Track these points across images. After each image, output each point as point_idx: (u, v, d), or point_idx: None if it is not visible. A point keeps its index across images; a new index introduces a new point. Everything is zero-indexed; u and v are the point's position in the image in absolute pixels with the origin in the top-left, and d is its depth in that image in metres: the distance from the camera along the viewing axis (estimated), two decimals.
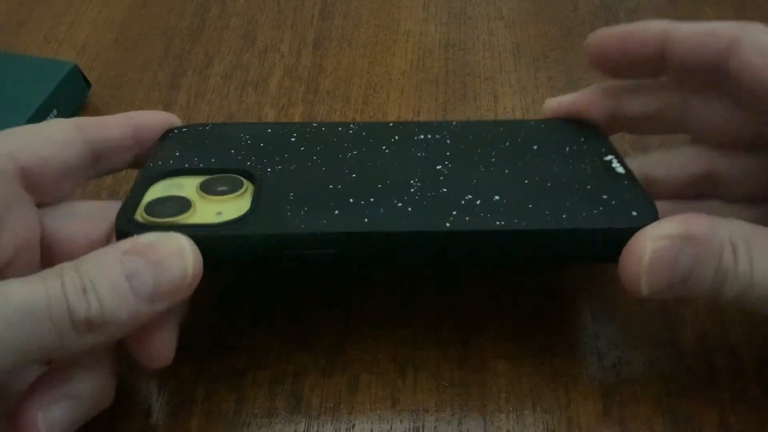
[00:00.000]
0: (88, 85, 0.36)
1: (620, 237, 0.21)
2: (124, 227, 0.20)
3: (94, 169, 0.24)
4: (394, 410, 0.24)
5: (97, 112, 0.36)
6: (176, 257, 0.19)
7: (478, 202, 0.22)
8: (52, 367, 0.20)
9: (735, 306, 0.21)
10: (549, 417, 0.23)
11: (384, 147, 0.25)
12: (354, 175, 0.23)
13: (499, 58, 0.39)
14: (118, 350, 0.22)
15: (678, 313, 0.26)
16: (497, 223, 0.21)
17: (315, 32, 0.41)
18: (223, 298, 0.27)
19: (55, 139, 0.22)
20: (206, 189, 0.22)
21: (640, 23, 0.24)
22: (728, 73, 0.23)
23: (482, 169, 0.24)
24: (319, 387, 0.24)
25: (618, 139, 0.28)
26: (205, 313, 0.26)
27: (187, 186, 0.22)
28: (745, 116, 0.24)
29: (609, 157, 0.24)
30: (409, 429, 0.23)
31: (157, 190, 0.22)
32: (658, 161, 0.26)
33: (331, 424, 0.23)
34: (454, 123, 0.27)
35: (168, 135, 0.25)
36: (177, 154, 0.24)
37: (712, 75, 0.23)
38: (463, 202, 0.22)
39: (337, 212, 0.21)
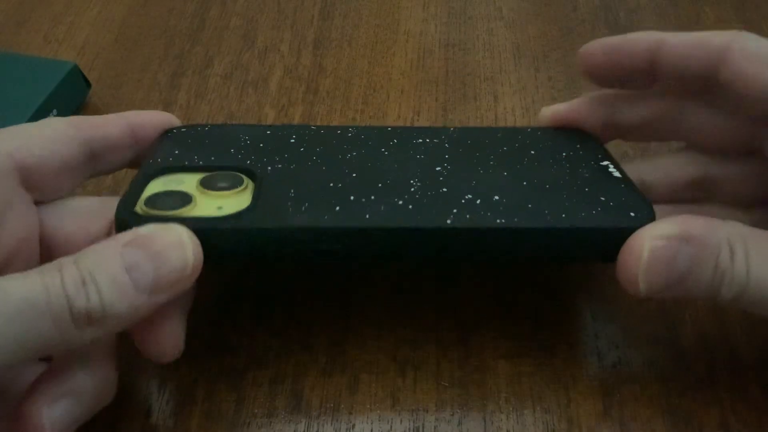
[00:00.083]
0: (88, 85, 0.36)
1: (619, 237, 0.21)
2: (124, 218, 0.20)
3: (92, 168, 0.24)
4: (394, 410, 0.24)
5: (97, 112, 0.36)
6: (176, 248, 0.19)
7: (478, 201, 0.22)
8: (54, 364, 0.20)
9: (733, 307, 0.21)
10: (549, 417, 0.23)
11: (383, 149, 0.25)
12: (354, 175, 0.23)
13: (499, 58, 0.39)
14: (119, 348, 0.22)
15: (678, 313, 0.26)
16: (498, 220, 0.21)
17: (315, 32, 0.41)
18: (223, 298, 0.27)
19: (52, 137, 0.22)
20: (206, 185, 0.22)
21: (630, 34, 0.25)
22: (719, 81, 0.23)
23: (481, 171, 0.24)
24: (319, 387, 0.24)
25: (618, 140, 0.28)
26: (205, 312, 0.26)
27: (187, 182, 0.22)
28: (737, 123, 0.24)
29: (605, 163, 0.25)
30: (409, 429, 0.23)
31: (156, 185, 0.22)
32: (652, 166, 0.26)
33: (331, 424, 0.23)
34: (451, 128, 0.27)
35: (167, 134, 0.25)
36: (176, 152, 0.24)
37: (703, 84, 0.24)
38: (463, 200, 0.22)
39: (338, 208, 0.21)
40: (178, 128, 0.26)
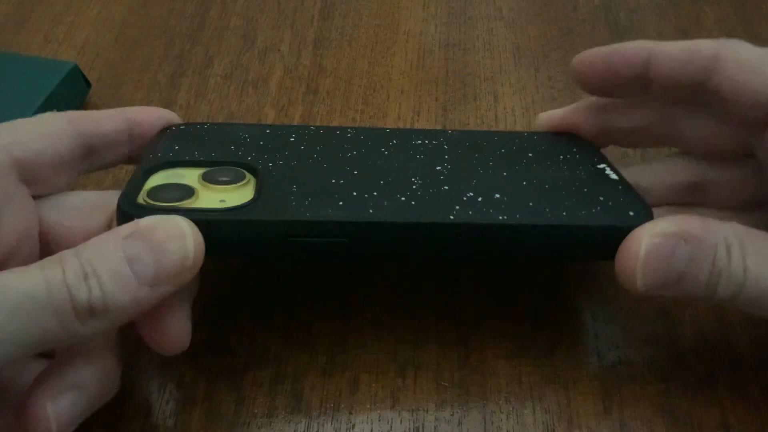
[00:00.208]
0: (88, 85, 0.36)
1: (618, 235, 0.21)
2: (127, 209, 0.20)
3: (88, 163, 0.24)
4: (394, 410, 0.24)
5: None
6: (177, 240, 0.19)
7: (479, 199, 0.22)
8: (56, 359, 0.20)
9: (730, 306, 0.21)
10: (549, 417, 0.23)
11: (383, 149, 0.25)
12: (355, 173, 0.23)
13: (499, 58, 0.39)
14: (120, 346, 0.22)
15: (678, 313, 0.26)
16: (500, 217, 0.22)
17: (315, 32, 0.41)
18: (223, 298, 0.27)
19: (48, 132, 0.22)
20: (208, 178, 0.22)
21: (622, 44, 0.25)
22: (711, 88, 0.23)
23: (481, 171, 0.24)
24: (319, 387, 0.24)
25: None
26: (205, 312, 0.26)
27: (188, 176, 0.22)
28: (730, 128, 0.24)
29: (602, 165, 0.25)
30: (409, 429, 0.23)
31: (157, 179, 0.22)
32: (647, 171, 0.27)
33: (331, 424, 0.23)
34: (449, 131, 0.27)
35: (166, 131, 0.25)
36: (176, 147, 0.24)
37: (696, 91, 0.24)
38: (464, 198, 0.22)
39: (341, 203, 0.21)
40: (178, 125, 0.26)
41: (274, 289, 0.27)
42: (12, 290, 0.17)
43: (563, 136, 0.27)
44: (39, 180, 0.22)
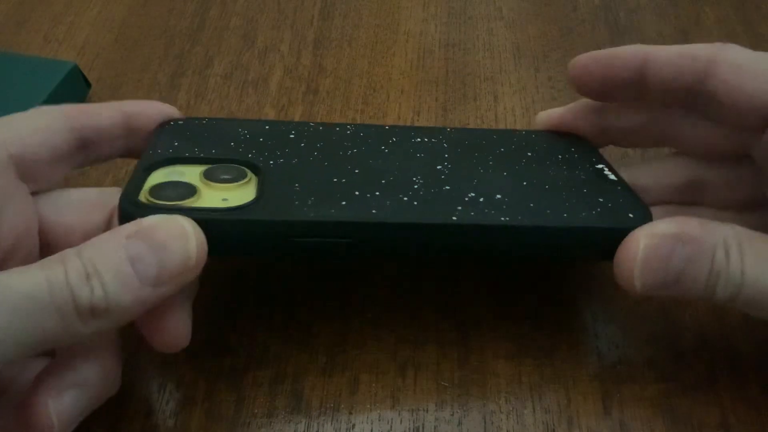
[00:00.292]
0: (88, 85, 0.36)
1: (619, 237, 0.21)
2: (129, 208, 0.20)
3: (84, 157, 0.24)
4: (394, 410, 0.24)
5: None
6: (179, 240, 0.19)
7: (481, 199, 0.22)
8: (58, 357, 0.20)
9: (728, 306, 0.21)
10: (549, 417, 0.23)
11: (383, 147, 0.25)
12: (357, 171, 0.23)
13: (499, 58, 0.39)
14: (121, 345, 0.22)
15: (678, 313, 0.26)
16: (502, 218, 0.22)
17: (315, 32, 0.41)
18: (223, 298, 0.27)
19: (43, 126, 0.22)
20: (210, 176, 0.22)
21: (619, 48, 0.25)
22: (707, 92, 0.23)
23: (481, 171, 0.24)
24: (319, 387, 0.24)
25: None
26: (205, 313, 0.26)
27: (189, 174, 0.22)
28: (726, 130, 0.24)
29: (600, 166, 0.25)
30: (409, 429, 0.23)
31: (158, 177, 0.22)
32: (645, 170, 0.27)
33: (331, 424, 0.23)
34: (448, 129, 0.27)
35: (164, 126, 0.25)
36: (175, 144, 0.24)
37: (692, 94, 0.24)
38: (466, 198, 0.22)
39: (344, 203, 0.21)
40: (175, 120, 0.25)
41: (274, 289, 0.27)
42: (13, 291, 0.17)
43: (562, 136, 0.28)
44: (36, 175, 0.22)
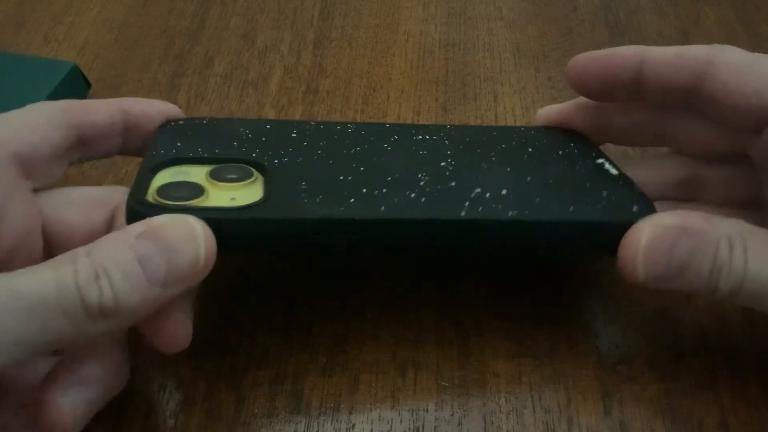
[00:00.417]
0: (88, 85, 0.36)
1: (624, 230, 0.22)
2: (137, 208, 0.20)
3: (80, 153, 0.24)
4: (394, 410, 0.24)
5: None
6: (189, 241, 0.19)
7: (487, 195, 0.23)
8: (67, 354, 0.20)
9: (730, 302, 0.21)
10: (549, 417, 0.23)
11: (385, 145, 0.25)
12: (362, 169, 0.23)
13: (499, 58, 0.39)
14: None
15: (678, 313, 0.26)
16: (509, 213, 0.22)
17: (315, 32, 0.41)
18: (223, 298, 0.27)
19: (42, 123, 0.22)
20: (216, 176, 0.22)
21: (616, 48, 0.25)
22: (704, 93, 0.23)
23: (485, 167, 0.24)
24: (319, 387, 0.24)
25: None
26: (205, 313, 0.26)
27: (194, 174, 0.22)
28: (723, 130, 0.25)
29: (600, 161, 0.26)
30: (409, 429, 0.23)
31: (164, 177, 0.22)
32: (643, 167, 0.27)
33: (331, 424, 0.23)
34: (449, 126, 0.27)
35: (166, 127, 0.25)
36: (179, 144, 0.24)
37: (689, 95, 0.24)
38: (473, 194, 0.23)
39: (352, 200, 0.22)
40: (176, 121, 0.25)
41: (274, 289, 0.27)
42: (22, 292, 0.17)
43: (562, 132, 0.28)
44: (37, 172, 0.22)
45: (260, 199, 0.21)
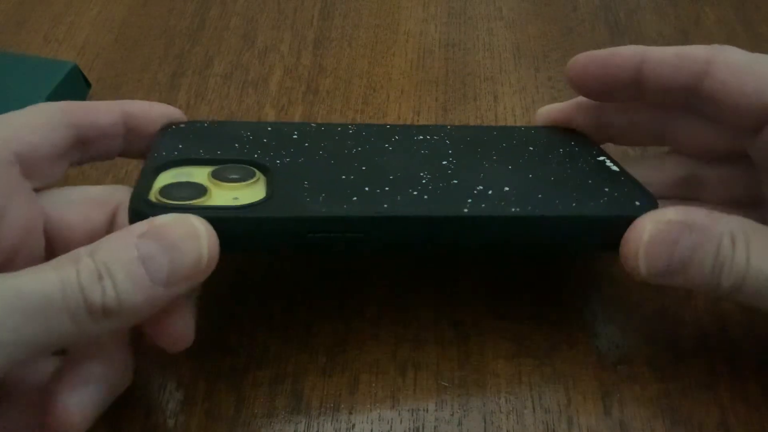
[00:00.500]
0: (88, 85, 0.36)
1: (626, 225, 0.22)
2: (140, 207, 0.20)
3: (82, 154, 0.24)
4: (394, 410, 0.24)
5: None
6: (192, 240, 0.19)
7: (490, 192, 0.23)
8: (73, 353, 0.20)
9: (732, 299, 0.21)
10: (549, 417, 0.23)
11: (387, 145, 0.25)
12: (364, 168, 0.23)
13: (499, 58, 0.39)
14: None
15: (678, 313, 0.26)
16: (512, 209, 0.22)
17: (315, 32, 0.41)
18: (223, 298, 0.27)
19: (43, 124, 0.22)
20: (218, 176, 0.22)
21: (616, 48, 0.25)
22: (704, 93, 0.23)
23: (486, 165, 0.25)
24: (319, 387, 0.24)
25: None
26: (205, 313, 0.26)
27: (197, 175, 0.22)
28: (722, 130, 0.25)
29: (602, 158, 0.26)
30: (409, 429, 0.23)
31: (166, 178, 0.22)
32: (642, 166, 0.27)
33: (331, 424, 0.23)
34: (449, 126, 0.27)
35: (168, 129, 0.25)
36: (180, 146, 0.24)
37: (689, 95, 0.24)
38: (475, 191, 0.23)
39: (355, 198, 0.22)
40: (177, 124, 0.25)
41: (274, 289, 0.27)
42: (27, 292, 0.17)
43: (562, 131, 0.28)
44: (37, 172, 0.22)
45: (263, 198, 0.21)
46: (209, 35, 0.40)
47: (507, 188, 0.23)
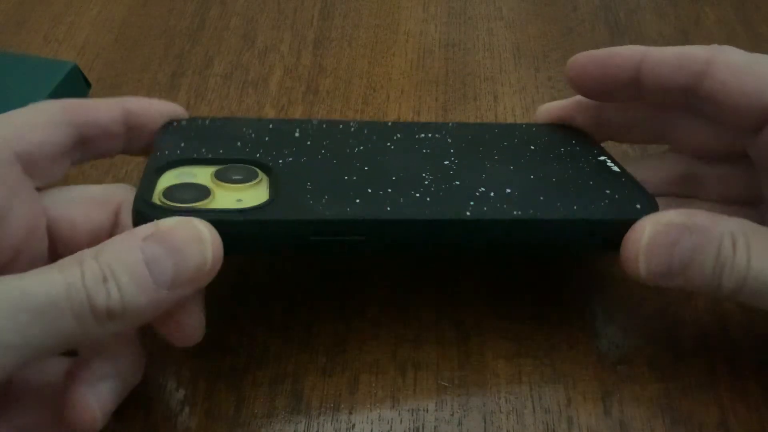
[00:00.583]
0: (88, 85, 0.36)
1: (627, 228, 0.22)
2: (144, 210, 0.20)
3: (83, 152, 0.24)
4: (394, 410, 0.24)
5: None
6: (196, 244, 0.19)
7: (492, 194, 0.23)
8: (86, 351, 0.21)
9: (733, 299, 0.21)
10: (549, 417, 0.23)
11: (389, 144, 0.25)
12: (366, 168, 0.23)
13: (499, 58, 0.39)
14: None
15: (678, 313, 0.26)
16: (514, 212, 0.22)
17: (315, 32, 0.41)
18: (223, 298, 0.27)
19: (44, 122, 0.22)
20: (221, 177, 0.22)
21: (616, 48, 0.25)
22: (703, 93, 0.23)
23: (488, 165, 0.25)
24: (319, 387, 0.24)
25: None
26: (205, 312, 0.26)
27: (200, 175, 0.22)
28: (721, 129, 0.25)
29: (602, 158, 0.26)
30: (409, 429, 0.23)
31: (169, 178, 0.22)
32: (641, 164, 0.27)
33: (331, 424, 0.23)
34: (450, 124, 0.27)
35: (169, 127, 0.25)
36: (182, 144, 0.24)
37: (688, 95, 0.24)
38: (477, 193, 0.23)
39: (358, 200, 0.22)
40: (179, 121, 0.25)
41: (274, 289, 0.27)
42: (31, 294, 0.17)
43: (563, 129, 0.28)
44: (39, 171, 0.22)
45: (266, 201, 0.21)
46: (209, 35, 0.40)
47: (509, 190, 0.23)
